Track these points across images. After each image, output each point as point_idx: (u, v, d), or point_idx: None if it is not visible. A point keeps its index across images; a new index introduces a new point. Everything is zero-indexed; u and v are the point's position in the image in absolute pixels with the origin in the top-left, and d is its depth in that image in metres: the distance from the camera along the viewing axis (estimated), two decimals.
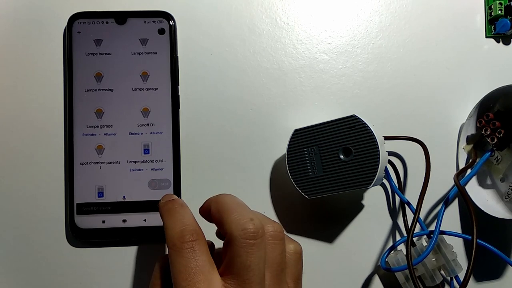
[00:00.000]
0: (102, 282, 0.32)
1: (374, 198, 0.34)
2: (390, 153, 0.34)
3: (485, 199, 0.33)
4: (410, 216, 0.32)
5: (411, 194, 0.34)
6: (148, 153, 0.32)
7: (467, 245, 0.34)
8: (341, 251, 0.33)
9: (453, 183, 0.34)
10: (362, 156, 0.29)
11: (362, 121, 0.29)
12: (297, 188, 0.31)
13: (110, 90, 0.32)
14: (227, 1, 0.34)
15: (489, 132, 0.32)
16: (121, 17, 0.32)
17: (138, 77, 0.32)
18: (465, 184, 0.32)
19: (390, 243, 0.33)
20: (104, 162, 0.31)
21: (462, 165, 0.34)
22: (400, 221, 0.34)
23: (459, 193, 0.33)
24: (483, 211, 0.32)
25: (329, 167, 0.30)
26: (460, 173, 0.32)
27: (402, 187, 0.34)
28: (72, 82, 0.32)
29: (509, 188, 0.32)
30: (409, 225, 0.30)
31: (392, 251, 0.33)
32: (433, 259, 0.31)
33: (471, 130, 0.34)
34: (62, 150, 0.32)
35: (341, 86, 0.34)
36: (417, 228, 0.31)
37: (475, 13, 0.35)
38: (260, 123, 0.33)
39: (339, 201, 0.33)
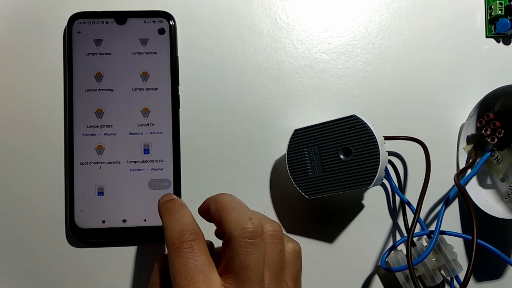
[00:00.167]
0: (102, 282, 0.32)
1: (374, 198, 0.34)
2: (390, 153, 0.34)
3: (485, 199, 0.33)
4: (410, 216, 0.32)
5: (411, 194, 0.34)
6: (148, 153, 0.32)
7: (467, 245, 0.34)
8: (341, 251, 0.33)
9: (453, 183, 0.34)
10: (362, 156, 0.29)
11: (362, 121, 0.29)
12: (297, 188, 0.31)
13: (110, 90, 0.32)
14: (227, 1, 0.34)
15: (489, 132, 0.32)
16: (121, 17, 0.32)
17: (138, 77, 0.32)
18: (465, 184, 0.32)
19: (390, 243, 0.33)
20: (104, 162, 0.31)
21: (462, 165, 0.34)
22: (400, 221, 0.33)
23: (459, 193, 0.33)
24: (483, 211, 0.32)
25: (329, 167, 0.30)
26: (460, 173, 0.32)
27: (402, 187, 0.34)
28: (72, 82, 0.32)
29: (509, 188, 0.32)
30: (409, 225, 0.30)
31: (392, 251, 0.32)
32: (433, 259, 0.31)
33: (471, 130, 0.34)
34: (62, 150, 0.32)
35: (341, 86, 0.34)
36: (417, 228, 0.31)
37: (475, 13, 0.35)
38: (260, 123, 0.33)
39: (339, 201, 0.33)
